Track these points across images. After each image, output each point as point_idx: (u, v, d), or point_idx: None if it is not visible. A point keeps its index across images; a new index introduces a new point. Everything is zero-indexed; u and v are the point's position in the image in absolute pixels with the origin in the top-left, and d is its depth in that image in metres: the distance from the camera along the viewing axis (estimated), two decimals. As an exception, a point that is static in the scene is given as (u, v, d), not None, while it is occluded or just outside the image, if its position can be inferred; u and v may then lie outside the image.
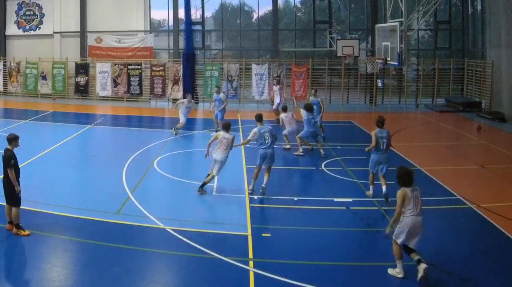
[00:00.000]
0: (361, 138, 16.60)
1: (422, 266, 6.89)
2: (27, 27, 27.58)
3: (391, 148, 11.13)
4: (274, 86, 20.80)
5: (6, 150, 8.52)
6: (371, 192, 10.70)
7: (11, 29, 27.75)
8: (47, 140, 16.04)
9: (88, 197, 10.68)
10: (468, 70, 24.57)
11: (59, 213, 9.47)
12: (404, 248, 7.19)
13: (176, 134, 17.14)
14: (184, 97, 19.42)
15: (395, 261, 7.25)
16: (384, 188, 10.14)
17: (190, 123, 19.49)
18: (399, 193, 7.16)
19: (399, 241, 7.16)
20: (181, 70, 24.93)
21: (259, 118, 11.22)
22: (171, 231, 8.76)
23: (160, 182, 11.98)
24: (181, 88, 24.98)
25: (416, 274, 6.95)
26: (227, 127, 10.99)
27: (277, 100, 19.48)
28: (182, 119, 17.33)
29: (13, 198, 8.45)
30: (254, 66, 24.63)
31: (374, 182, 10.65)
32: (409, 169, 7.51)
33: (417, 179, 11.89)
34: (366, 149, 10.93)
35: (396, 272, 7.24)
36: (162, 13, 28.77)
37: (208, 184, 11.29)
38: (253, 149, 15.01)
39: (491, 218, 9.49)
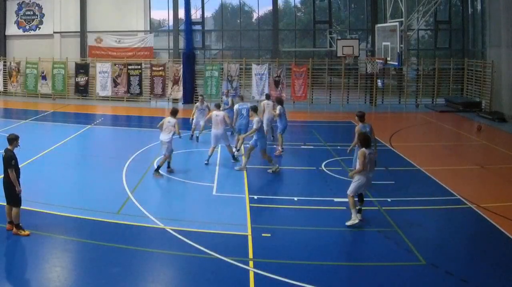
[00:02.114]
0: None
1: (358, 216, 9.06)
2: (27, 27, 27.58)
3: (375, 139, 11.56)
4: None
5: (7, 150, 8.52)
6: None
7: (11, 29, 27.75)
8: (47, 140, 16.03)
9: (88, 197, 10.68)
10: (468, 70, 24.56)
11: (59, 213, 9.47)
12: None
13: (197, 141, 16.00)
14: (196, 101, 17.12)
15: (351, 210, 9.04)
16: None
17: (190, 124, 19.47)
18: (360, 152, 9.06)
19: (352, 194, 9.08)
20: (181, 70, 24.92)
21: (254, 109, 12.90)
22: (171, 231, 8.76)
23: (160, 182, 11.98)
24: (181, 88, 24.99)
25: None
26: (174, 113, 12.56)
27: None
28: (195, 123, 16.21)
29: (14, 198, 8.45)
30: (254, 66, 24.63)
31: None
32: (366, 134, 9.63)
33: (417, 179, 12.08)
34: (349, 149, 11.29)
35: (352, 219, 8.95)
36: (162, 13, 28.81)
37: (209, 184, 11.33)
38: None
39: (491, 218, 9.48)
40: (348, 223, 8.97)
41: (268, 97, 16.68)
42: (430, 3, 20.16)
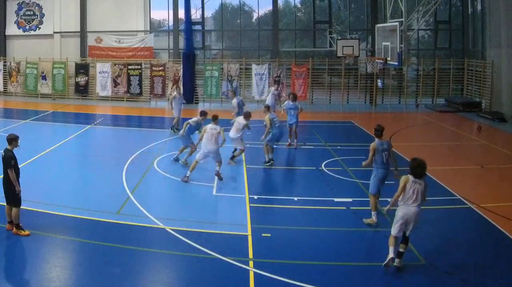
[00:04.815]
0: (361, 139, 16.60)
1: (396, 261, 7.36)
2: (27, 27, 27.57)
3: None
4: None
5: (6, 150, 8.52)
6: (374, 219, 9.08)
7: (11, 29, 27.74)
8: (47, 140, 16.04)
9: (88, 197, 10.69)
10: (468, 70, 24.56)
11: (59, 213, 9.47)
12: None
13: (174, 132, 17.02)
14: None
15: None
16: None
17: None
18: (403, 178, 7.49)
19: (393, 234, 7.45)
20: (181, 70, 24.93)
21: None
22: (171, 231, 8.76)
23: (160, 182, 11.98)
24: (181, 88, 24.95)
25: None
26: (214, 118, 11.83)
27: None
28: (176, 114, 17.58)
29: (13, 198, 8.45)
30: (254, 66, 24.63)
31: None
32: (421, 162, 7.49)
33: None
34: (363, 163, 9.38)
35: (388, 257, 7.34)
36: (162, 13, 28.88)
37: (209, 184, 11.34)
38: (254, 149, 15.05)
39: (491, 218, 9.49)
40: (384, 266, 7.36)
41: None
42: (430, 3, 20.17)
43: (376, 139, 9.24)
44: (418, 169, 7.42)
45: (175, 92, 18.46)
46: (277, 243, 8.40)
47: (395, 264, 7.33)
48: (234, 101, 16.85)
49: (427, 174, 7.63)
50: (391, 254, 7.31)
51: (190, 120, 13.10)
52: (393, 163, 9.30)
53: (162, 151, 14.77)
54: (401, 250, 7.42)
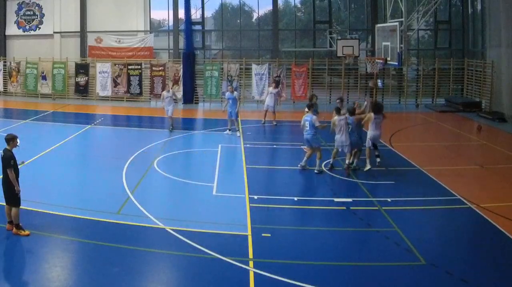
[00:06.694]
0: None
1: (377, 160, 12.68)
2: (27, 27, 27.57)
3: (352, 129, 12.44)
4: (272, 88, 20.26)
5: (6, 150, 8.52)
6: (331, 161, 12.90)
7: (11, 29, 27.73)
8: (47, 140, 16.03)
9: (88, 197, 10.69)
10: (468, 70, 24.54)
11: (59, 213, 9.47)
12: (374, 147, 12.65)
13: (171, 130, 17.75)
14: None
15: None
16: (353, 161, 12.65)
17: (190, 123, 19.52)
18: (368, 115, 12.65)
19: (368, 146, 12.43)
20: (181, 70, 24.92)
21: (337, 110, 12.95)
22: (171, 231, 8.76)
23: (160, 182, 11.98)
24: (181, 88, 24.97)
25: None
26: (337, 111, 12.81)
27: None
28: (167, 114, 18.18)
29: (13, 198, 8.46)
30: (254, 66, 24.61)
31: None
32: (379, 103, 13.09)
33: (417, 179, 12.08)
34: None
35: (367, 166, 12.34)
36: (162, 13, 28.87)
37: (209, 184, 11.34)
38: (254, 148, 15.09)
39: (491, 218, 9.48)
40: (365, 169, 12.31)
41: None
42: (430, 3, 20.15)
43: (337, 115, 12.51)
44: (375, 107, 12.45)
45: (164, 91, 18.99)
46: (277, 243, 8.41)
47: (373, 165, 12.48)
48: (236, 93, 17.95)
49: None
50: (369, 166, 12.35)
51: (313, 119, 12.68)
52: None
53: (162, 151, 14.77)
54: (376, 153, 12.77)
